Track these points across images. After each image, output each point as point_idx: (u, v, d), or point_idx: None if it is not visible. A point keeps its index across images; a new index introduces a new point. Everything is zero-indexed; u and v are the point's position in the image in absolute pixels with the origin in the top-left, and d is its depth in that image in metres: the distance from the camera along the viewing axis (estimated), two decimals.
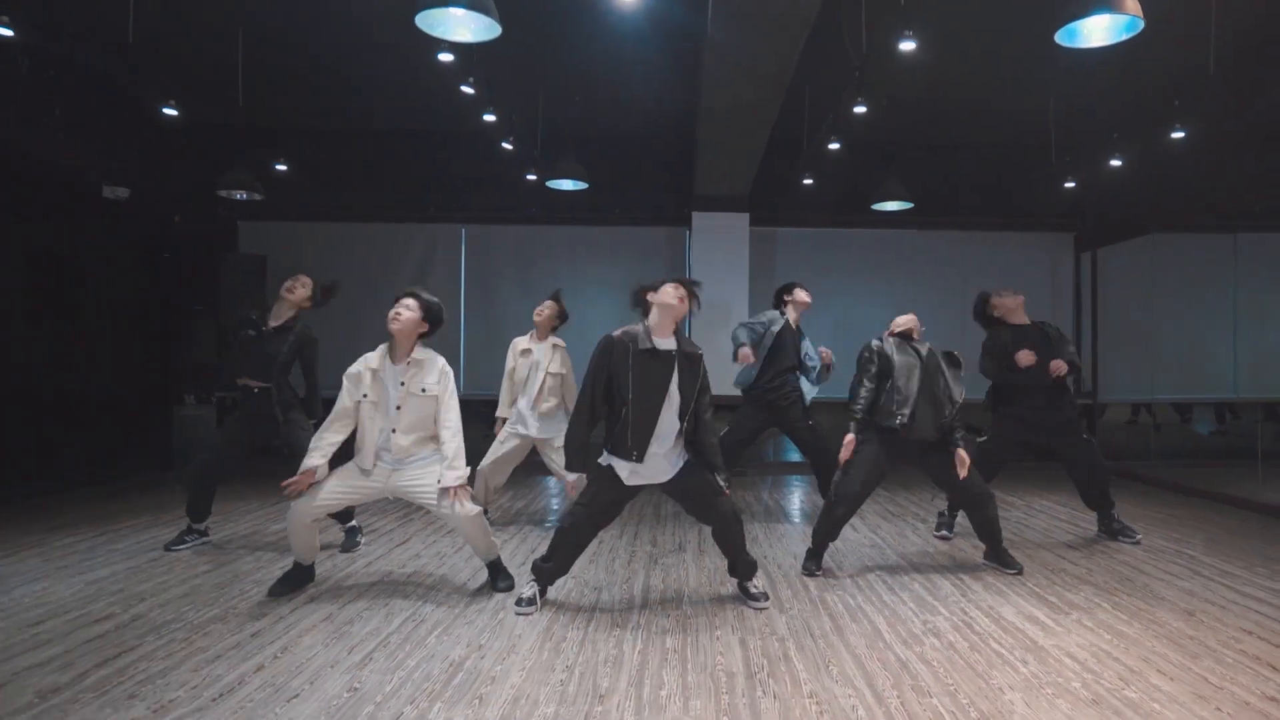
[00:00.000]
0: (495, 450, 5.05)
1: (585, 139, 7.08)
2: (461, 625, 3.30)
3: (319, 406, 4.52)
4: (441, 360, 3.70)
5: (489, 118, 5.32)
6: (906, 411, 3.98)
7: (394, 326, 3.57)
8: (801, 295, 5.38)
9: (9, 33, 3.76)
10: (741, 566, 3.67)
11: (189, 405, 8.13)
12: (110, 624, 3.26)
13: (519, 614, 3.44)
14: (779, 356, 5.25)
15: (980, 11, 5.06)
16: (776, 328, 5.25)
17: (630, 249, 8.17)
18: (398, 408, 3.58)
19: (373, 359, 3.64)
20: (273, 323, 4.52)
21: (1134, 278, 8.36)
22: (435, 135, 7.76)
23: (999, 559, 4.20)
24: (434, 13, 3.59)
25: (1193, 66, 5.03)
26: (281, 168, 6.88)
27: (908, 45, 3.92)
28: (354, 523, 4.65)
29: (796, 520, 5.60)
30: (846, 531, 5.12)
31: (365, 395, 3.61)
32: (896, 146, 7.58)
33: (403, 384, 3.58)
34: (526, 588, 3.59)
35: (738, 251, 7.68)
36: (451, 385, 3.66)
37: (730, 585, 3.86)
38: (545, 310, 5.07)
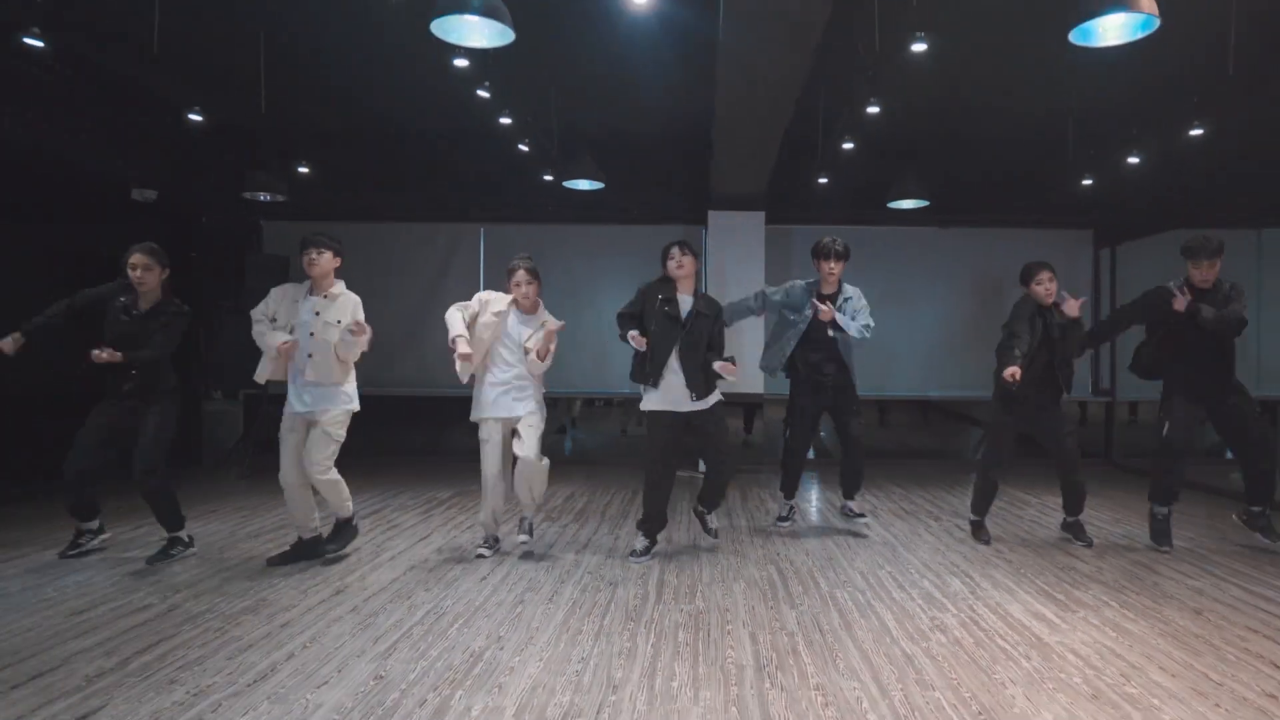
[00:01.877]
0: (489, 457, 4.35)
1: (601, 139, 7.15)
2: (481, 618, 3.42)
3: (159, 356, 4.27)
4: (354, 297, 4.24)
5: (505, 120, 5.43)
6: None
7: (315, 271, 4.12)
8: (820, 267, 4.93)
9: (39, 43, 3.90)
10: (708, 499, 4.62)
11: (215, 400, 8.34)
12: (149, 613, 3.42)
13: (633, 562, 4.28)
14: (808, 328, 4.91)
15: (995, 10, 5.07)
16: (797, 294, 4.99)
17: (646, 247, 8.21)
18: (311, 334, 4.07)
19: (294, 290, 4.21)
20: (144, 306, 4.25)
21: (1153, 274, 8.30)
22: (454, 137, 7.85)
23: (1075, 531, 4.82)
24: (449, 19, 3.68)
25: (1212, 65, 5.02)
26: (304, 170, 7.02)
27: (919, 47, 3.97)
28: (182, 533, 4.42)
29: (812, 519, 5.67)
30: (861, 530, 5.20)
31: (274, 318, 4.13)
32: (912, 143, 7.58)
33: (317, 314, 4.10)
34: (638, 541, 4.43)
35: (753, 249, 7.74)
36: (360, 316, 4.21)
37: (742, 581, 3.95)
38: (531, 290, 4.41)
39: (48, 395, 6.49)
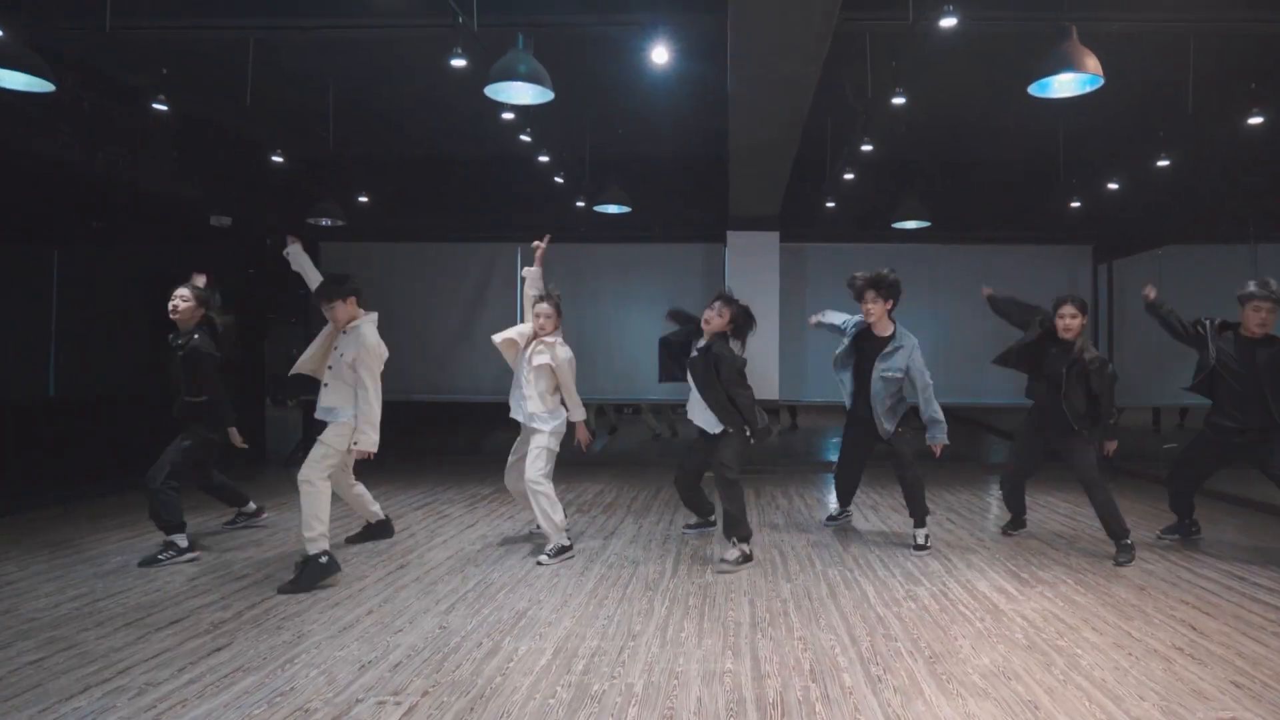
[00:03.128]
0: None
1: (628, 167, 7.83)
2: (524, 587, 4.06)
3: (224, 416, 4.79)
4: (367, 335, 4.23)
5: (543, 159, 6.11)
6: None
7: (336, 324, 4.38)
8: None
9: (164, 108, 4.68)
10: (724, 527, 4.60)
11: (280, 405, 9.15)
12: (248, 580, 4.12)
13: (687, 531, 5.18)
14: (849, 363, 5.02)
15: (979, 54, 5.63)
16: (851, 329, 5.02)
17: (672, 264, 8.89)
18: (330, 367, 4.35)
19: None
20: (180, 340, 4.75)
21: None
22: (494, 165, 8.61)
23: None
24: (499, 84, 4.38)
25: (1175, 104, 5.55)
26: (364, 200, 7.79)
27: (899, 100, 4.56)
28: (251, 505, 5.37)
29: (814, 512, 6.24)
30: (859, 521, 5.76)
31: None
32: (916, 165, 8.14)
33: (335, 347, 4.35)
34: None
35: (769, 266, 8.33)
36: (368, 359, 4.20)
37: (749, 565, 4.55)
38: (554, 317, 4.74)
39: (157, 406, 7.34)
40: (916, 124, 6.98)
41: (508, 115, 5.27)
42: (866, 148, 5.46)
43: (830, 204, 7.55)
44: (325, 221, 7.70)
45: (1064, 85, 4.26)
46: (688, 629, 3.42)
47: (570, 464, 8.26)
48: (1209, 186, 7.62)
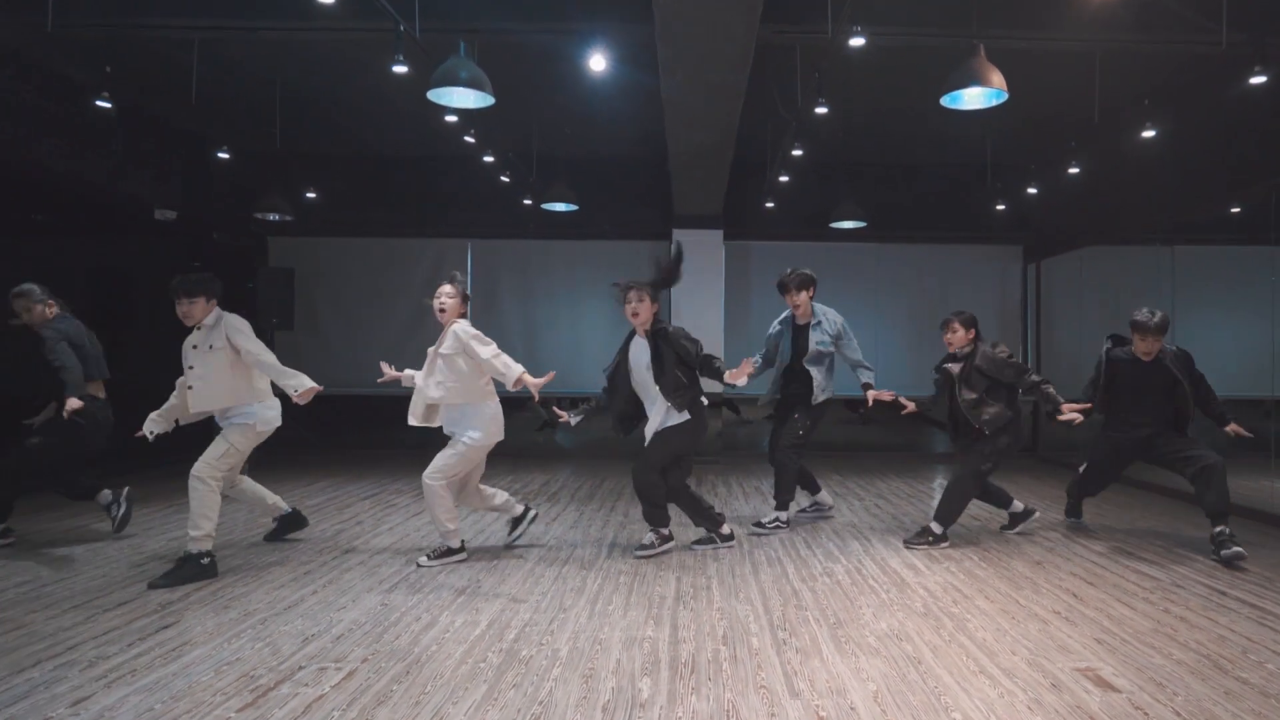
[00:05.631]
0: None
1: (575, 166, 8.04)
2: (464, 568, 4.26)
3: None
4: (231, 317, 4.15)
5: (488, 159, 6.30)
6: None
7: (188, 322, 4.14)
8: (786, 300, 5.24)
9: (108, 105, 4.75)
10: (644, 516, 4.60)
11: None
12: None
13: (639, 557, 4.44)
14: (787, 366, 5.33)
15: (904, 65, 5.97)
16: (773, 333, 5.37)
17: (619, 261, 9.11)
18: (191, 367, 4.08)
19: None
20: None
21: (1071, 286, 9.25)
22: (445, 162, 8.74)
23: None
24: (441, 90, 4.57)
25: (1084, 118, 5.96)
26: (311, 195, 7.87)
27: (822, 110, 4.86)
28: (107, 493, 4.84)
29: (750, 499, 6.55)
30: (792, 508, 6.06)
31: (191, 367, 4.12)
32: (853, 168, 8.51)
33: (194, 347, 4.11)
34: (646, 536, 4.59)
35: (714, 263, 8.63)
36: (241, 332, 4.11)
37: (685, 542, 4.81)
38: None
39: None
40: (852, 129, 7.34)
41: (451, 118, 5.44)
42: (797, 153, 5.76)
43: (769, 205, 7.85)
44: (273, 216, 7.77)
45: (972, 99, 4.61)
46: (615, 602, 3.67)
47: (520, 455, 8.55)
48: (1125, 192, 8.11)
